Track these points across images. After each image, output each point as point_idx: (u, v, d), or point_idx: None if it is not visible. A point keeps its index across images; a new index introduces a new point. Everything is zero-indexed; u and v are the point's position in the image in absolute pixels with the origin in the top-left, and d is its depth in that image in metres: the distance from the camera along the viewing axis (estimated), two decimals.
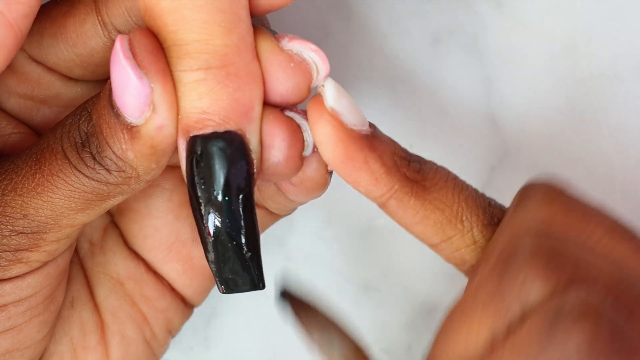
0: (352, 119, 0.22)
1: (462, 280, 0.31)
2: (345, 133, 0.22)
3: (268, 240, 0.31)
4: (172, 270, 0.27)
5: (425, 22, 0.30)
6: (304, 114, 0.23)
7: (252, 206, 0.22)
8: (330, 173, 0.24)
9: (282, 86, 0.22)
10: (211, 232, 0.21)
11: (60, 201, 0.21)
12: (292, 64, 0.22)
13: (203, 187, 0.21)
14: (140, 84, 0.20)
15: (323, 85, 0.22)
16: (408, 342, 0.31)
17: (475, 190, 0.24)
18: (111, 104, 0.20)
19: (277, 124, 0.22)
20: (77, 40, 0.23)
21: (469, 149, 0.31)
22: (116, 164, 0.21)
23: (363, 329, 0.31)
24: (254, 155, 0.21)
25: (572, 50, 0.30)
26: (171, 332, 0.28)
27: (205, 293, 0.28)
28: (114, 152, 0.21)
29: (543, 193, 0.22)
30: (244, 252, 0.22)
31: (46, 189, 0.21)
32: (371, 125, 0.23)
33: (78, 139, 0.21)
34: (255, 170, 0.22)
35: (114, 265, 0.27)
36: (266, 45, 0.22)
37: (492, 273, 0.21)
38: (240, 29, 0.21)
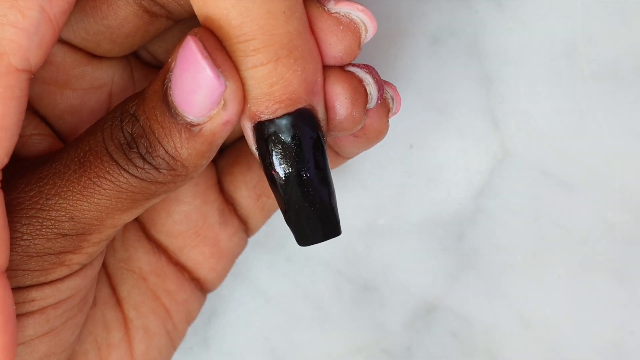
0: None
1: (462, 281, 0.31)
2: None
3: (268, 241, 0.32)
4: (199, 254, 0.27)
5: (425, 22, 0.30)
6: (366, 67, 0.23)
7: (328, 173, 0.22)
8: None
9: (335, 49, 0.22)
10: (292, 207, 0.22)
11: (107, 202, 0.22)
12: (341, 27, 0.22)
13: (281, 165, 0.22)
14: (218, 82, 0.20)
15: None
16: (408, 342, 0.31)
17: None
18: (167, 105, 0.21)
19: (339, 84, 0.22)
20: (108, 12, 0.23)
21: (469, 149, 0.31)
22: (167, 163, 0.21)
23: (363, 329, 0.32)
24: (323, 123, 0.22)
25: (572, 50, 0.30)
26: (189, 322, 0.28)
27: (224, 276, 0.29)
28: (166, 152, 0.21)
29: None
30: (323, 213, 0.23)
31: (93, 191, 0.21)
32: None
33: (123, 141, 0.21)
34: (325, 137, 0.22)
35: (137, 261, 0.27)
36: (314, 12, 0.22)
37: None
38: (299, 11, 0.21)
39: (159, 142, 0.21)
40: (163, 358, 0.27)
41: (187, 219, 0.27)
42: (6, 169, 0.22)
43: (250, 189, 0.28)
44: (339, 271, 0.32)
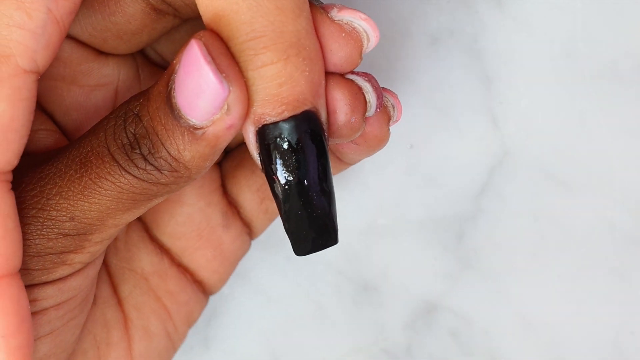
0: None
1: (462, 281, 0.31)
2: None
3: (268, 241, 0.32)
4: (202, 257, 0.27)
5: (425, 22, 0.30)
6: (366, 75, 0.23)
7: (330, 180, 0.22)
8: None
9: (335, 56, 0.22)
10: (293, 214, 0.22)
11: (108, 202, 0.22)
12: (343, 34, 0.22)
13: (283, 170, 0.21)
14: (221, 88, 0.20)
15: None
16: (408, 342, 0.31)
17: None
18: (170, 107, 0.20)
19: (339, 90, 0.22)
20: (115, 9, 0.23)
21: (469, 149, 0.31)
22: (170, 165, 0.21)
23: (363, 329, 0.32)
24: (325, 127, 0.22)
25: (572, 50, 0.30)
26: (190, 324, 0.28)
27: (227, 279, 0.29)
28: (169, 154, 0.21)
29: None
30: (323, 222, 0.22)
31: (94, 191, 0.21)
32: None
33: (126, 141, 0.21)
34: (327, 140, 0.22)
35: (139, 261, 0.27)
36: (317, 18, 0.22)
37: None
38: (306, 11, 0.21)
39: (162, 144, 0.21)
40: (162, 359, 0.27)
41: (190, 221, 0.27)
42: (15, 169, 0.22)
43: (253, 192, 0.28)
44: (339, 271, 0.32)
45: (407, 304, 0.31)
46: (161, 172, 0.21)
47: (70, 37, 0.24)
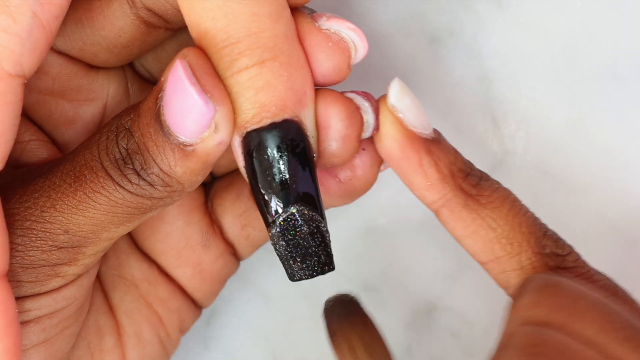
0: (412, 120, 0.23)
1: (462, 281, 0.31)
2: (403, 132, 0.22)
3: (268, 241, 0.32)
4: (182, 275, 0.27)
5: (425, 22, 0.30)
6: (365, 95, 0.23)
7: (317, 187, 0.22)
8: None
9: (323, 66, 0.22)
10: (277, 221, 0.22)
11: (103, 216, 0.22)
12: (330, 44, 0.22)
13: (267, 178, 0.21)
14: (207, 108, 0.20)
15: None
16: (408, 342, 0.31)
17: (534, 218, 0.23)
18: (160, 124, 0.20)
19: (333, 105, 0.22)
20: (105, 22, 0.23)
21: (469, 149, 0.31)
22: (162, 180, 0.21)
23: None
24: (312, 140, 0.22)
25: (572, 50, 0.30)
26: (182, 331, 0.28)
27: (214, 296, 0.28)
28: (161, 169, 0.21)
29: (540, 286, 0.22)
30: (313, 236, 0.22)
31: (89, 206, 0.21)
32: (435, 131, 0.23)
33: (118, 156, 0.21)
34: (314, 153, 0.22)
35: (128, 268, 0.27)
36: (304, 27, 0.22)
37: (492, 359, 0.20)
38: (285, 17, 0.21)
39: (153, 160, 0.21)
40: None
41: (168, 238, 0.27)
42: (3, 174, 0.22)
43: (236, 217, 0.28)
44: (339, 271, 0.31)
45: (407, 304, 0.31)
46: (154, 187, 0.21)
47: (60, 52, 0.24)
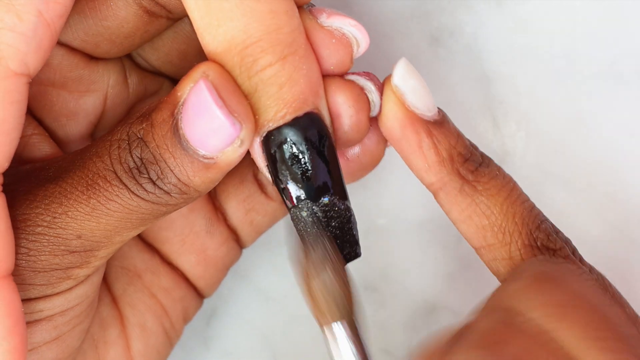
0: (415, 101, 0.23)
1: (462, 281, 0.31)
2: (404, 112, 0.23)
3: (268, 240, 0.31)
4: (185, 262, 0.27)
5: (425, 22, 0.30)
6: (367, 75, 0.23)
7: (344, 185, 0.22)
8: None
9: (326, 63, 0.22)
10: (309, 221, 0.22)
11: (116, 222, 0.22)
12: (333, 40, 0.22)
13: (296, 174, 0.21)
14: (233, 128, 0.20)
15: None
16: (408, 342, 0.31)
17: (532, 209, 0.23)
18: (178, 137, 0.21)
19: (340, 92, 0.22)
20: (107, 13, 0.23)
21: None
22: (180, 189, 0.21)
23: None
24: (330, 129, 0.22)
25: (572, 50, 0.30)
26: (186, 320, 0.28)
27: (217, 284, 0.28)
28: (179, 180, 0.21)
29: (533, 277, 0.21)
30: (342, 228, 0.22)
31: (102, 213, 0.21)
32: (440, 113, 0.23)
33: (133, 165, 0.21)
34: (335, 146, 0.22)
35: (131, 259, 0.27)
36: (307, 25, 0.22)
37: (452, 336, 0.21)
38: (296, 12, 0.21)
39: (171, 171, 0.21)
40: (161, 357, 0.27)
41: (172, 226, 0.27)
42: (7, 172, 0.22)
43: (239, 202, 0.28)
44: None
45: (407, 304, 0.31)
46: (170, 195, 0.21)
47: (61, 43, 0.24)
